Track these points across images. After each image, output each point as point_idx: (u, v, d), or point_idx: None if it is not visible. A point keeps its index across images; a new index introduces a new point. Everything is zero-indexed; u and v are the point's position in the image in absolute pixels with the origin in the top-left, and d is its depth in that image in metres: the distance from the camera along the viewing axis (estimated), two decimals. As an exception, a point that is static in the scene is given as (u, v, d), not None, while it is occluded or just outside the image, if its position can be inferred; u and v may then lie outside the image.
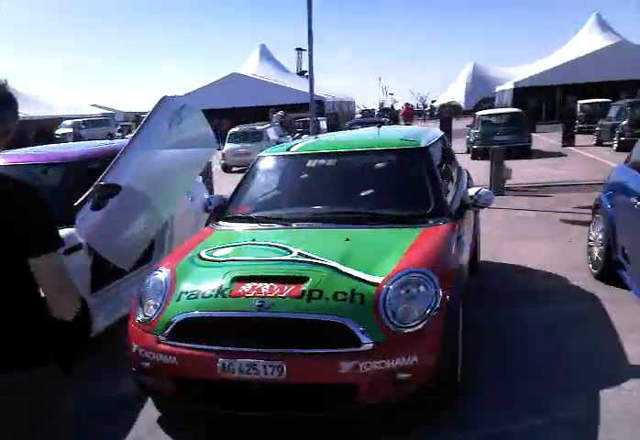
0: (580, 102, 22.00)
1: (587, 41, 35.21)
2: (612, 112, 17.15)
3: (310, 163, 4.15)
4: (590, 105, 21.66)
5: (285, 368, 2.65)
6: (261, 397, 2.79)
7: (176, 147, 4.26)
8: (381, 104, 64.14)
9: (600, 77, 29.03)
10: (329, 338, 2.72)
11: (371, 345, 2.65)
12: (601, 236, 5.01)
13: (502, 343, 3.94)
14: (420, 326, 2.73)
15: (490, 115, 17.75)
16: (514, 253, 6.09)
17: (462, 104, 43.40)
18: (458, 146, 17.80)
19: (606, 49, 31.42)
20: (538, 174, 11.85)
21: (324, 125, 23.88)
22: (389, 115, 32.62)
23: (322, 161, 4.15)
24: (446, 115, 20.53)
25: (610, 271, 4.81)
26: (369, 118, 31.16)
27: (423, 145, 4.10)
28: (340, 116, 34.81)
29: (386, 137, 4.79)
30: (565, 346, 3.84)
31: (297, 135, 18.03)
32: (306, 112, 20.67)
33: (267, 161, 4.35)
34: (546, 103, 31.16)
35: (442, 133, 5.19)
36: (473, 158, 15.95)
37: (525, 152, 15.59)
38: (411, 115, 30.55)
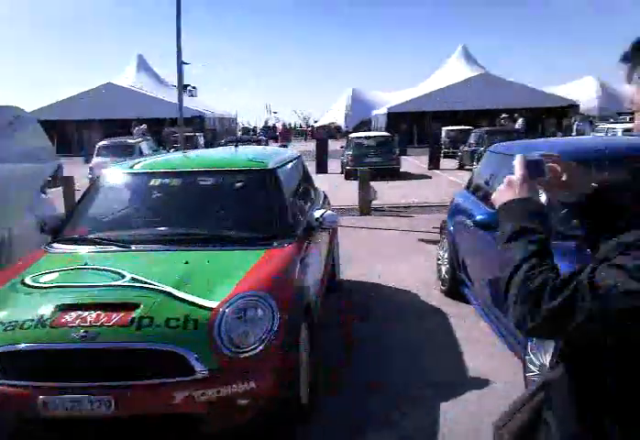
0: (445, 128, 23.59)
1: (454, 71, 37.77)
2: (473, 138, 18.55)
3: (153, 182, 3.98)
4: (454, 132, 23.22)
5: (113, 402, 2.50)
6: (90, 433, 2.63)
7: (6, 160, 3.92)
8: (266, 123, 64.50)
9: (464, 105, 31.33)
10: (161, 367, 2.60)
11: (206, 372, 2.57)
12: (446, 255, 5.31)
13: (352, 359, 4.00)
14: (257, 351, 2.68)
15: (361, 137, 18.46)
16: (374, 271, 6.28)
17: (342, 126, 44.76)
18: (335, 165, 18.33)
19: (470, 79, 33.97)
20: (404, 195, 12.42)
21: (202, 140, 23.54)
22: (268, 134, 32.88)
23: (165, 180, 4.00)
24: (323, 135, 21.03)
25: (456, 288, 5.10)
26: (251, 136, 31.19)
27: (270, 166, 4.08)
28: (220, 133, 34.50)
29: (235, 158, 4.74)
30: (411, 360, 3.99)
31: (173, 149, 17.59)
32: (188, 126, 20.27)
33: (108, 179, 4.13)
34: (417, 127, 33.01)
35: (297, 154, 5.24)
36: (347, 178, 16.44)
37: (394, 173, 16.38)
38: (286, 134, 31.05)
